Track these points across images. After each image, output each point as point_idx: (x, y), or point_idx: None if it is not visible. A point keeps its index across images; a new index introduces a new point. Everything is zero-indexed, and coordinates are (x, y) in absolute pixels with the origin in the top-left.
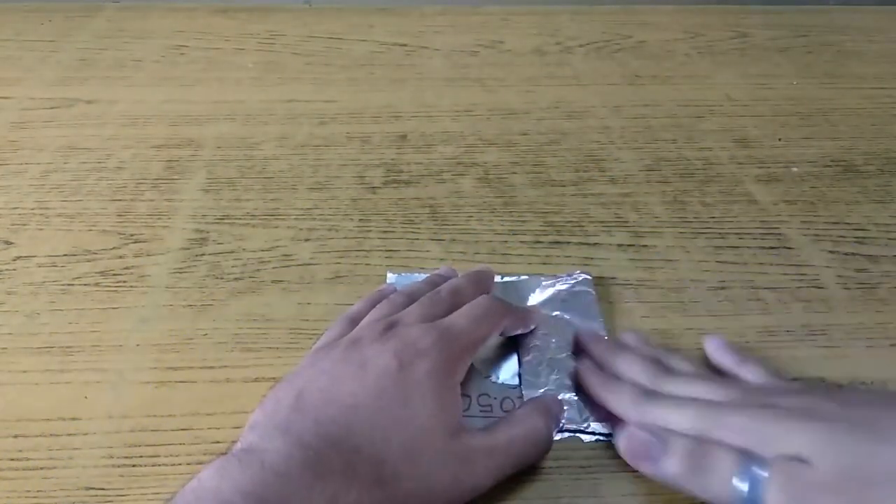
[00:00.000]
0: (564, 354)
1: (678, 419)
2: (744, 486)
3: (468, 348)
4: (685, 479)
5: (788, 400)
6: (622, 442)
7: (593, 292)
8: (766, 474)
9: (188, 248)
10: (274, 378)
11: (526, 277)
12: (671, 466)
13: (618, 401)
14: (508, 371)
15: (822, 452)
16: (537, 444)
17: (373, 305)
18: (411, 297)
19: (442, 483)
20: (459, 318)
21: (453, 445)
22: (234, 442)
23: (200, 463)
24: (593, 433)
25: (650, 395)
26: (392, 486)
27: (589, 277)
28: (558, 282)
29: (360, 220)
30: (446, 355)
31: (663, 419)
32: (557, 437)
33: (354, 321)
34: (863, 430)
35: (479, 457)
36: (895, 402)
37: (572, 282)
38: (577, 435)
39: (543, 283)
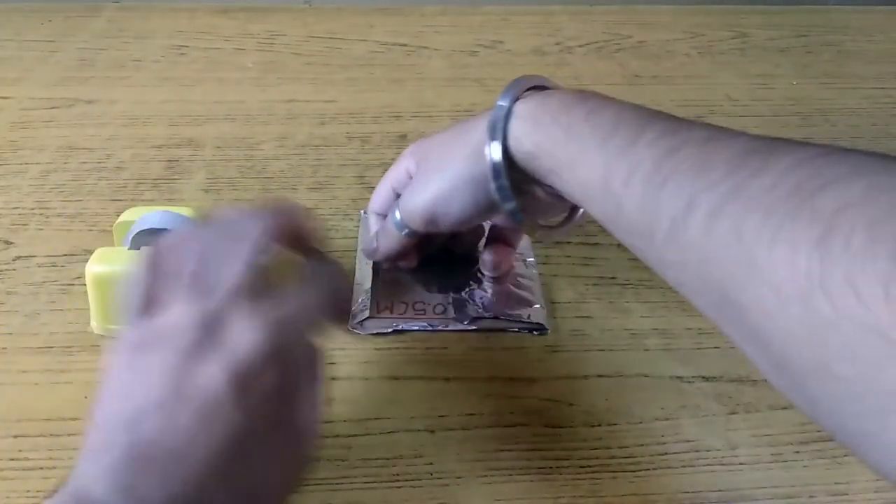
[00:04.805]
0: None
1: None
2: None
3: (308, 349)
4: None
5: None
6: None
7: None
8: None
9: None
10: None
11: None
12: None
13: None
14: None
15: None
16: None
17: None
18: (217, 258)
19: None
20: (297, 307)
21: (297, 456)
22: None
23: None
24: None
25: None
26: None
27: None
28: None
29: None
30: (285, 369)
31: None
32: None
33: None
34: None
35: (310, 441)
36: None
37: None
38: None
39: None
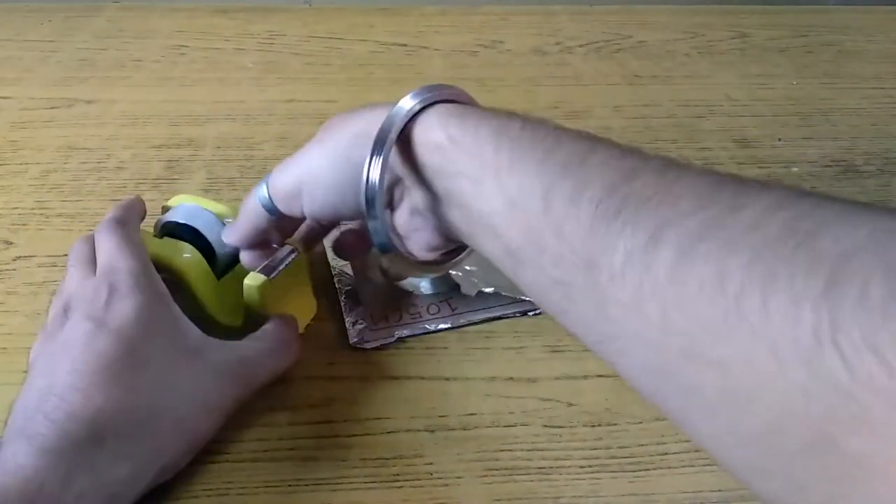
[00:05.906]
0: None
1: None
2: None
3: (140, 270)
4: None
5: None
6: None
7: None
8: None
9: None
10: None
11: None
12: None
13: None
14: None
15: None
16: (287, 356)
17: None
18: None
19: (199, 401)
20: (107, 252)
21: (199, 363)
22: None
23: (199, 462)
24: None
25: None
26: (151, 441)
27: None
28: None
29: None
30: (126, 294)
31: None
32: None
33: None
34: None
35: (231, 367)
36: None
37: None
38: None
39: None
